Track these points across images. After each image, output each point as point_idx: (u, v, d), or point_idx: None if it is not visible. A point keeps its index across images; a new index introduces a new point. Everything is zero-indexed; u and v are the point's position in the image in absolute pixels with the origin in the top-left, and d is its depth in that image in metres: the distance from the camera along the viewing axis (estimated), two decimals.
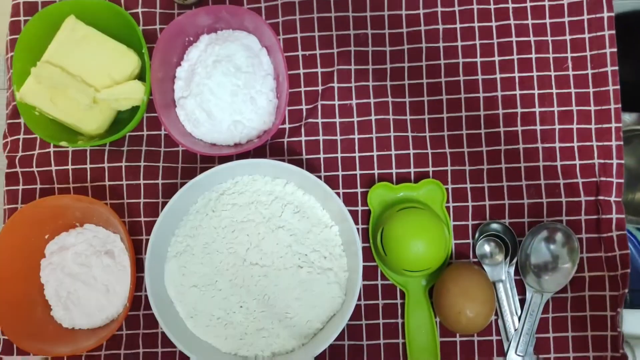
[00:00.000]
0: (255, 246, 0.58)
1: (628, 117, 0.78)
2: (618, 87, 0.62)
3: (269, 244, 0.58)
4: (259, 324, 0.57)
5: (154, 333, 0.62)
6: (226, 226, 0.59)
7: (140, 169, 0.63)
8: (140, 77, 0.63)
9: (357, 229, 0.62)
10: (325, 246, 0.59)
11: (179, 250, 0.59)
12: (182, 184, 0.62)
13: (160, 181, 0.63)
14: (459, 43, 0.64)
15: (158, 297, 0.57)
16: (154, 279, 0.57)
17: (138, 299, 0.62)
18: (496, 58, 0.63)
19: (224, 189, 0.60)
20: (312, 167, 0.63)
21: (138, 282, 0.61)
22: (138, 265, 0.61)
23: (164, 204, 0.62)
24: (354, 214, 0.62)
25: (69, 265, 0.61)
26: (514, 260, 0.61)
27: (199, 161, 0.64)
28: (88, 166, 0.64)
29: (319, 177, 0.63)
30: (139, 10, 0.65)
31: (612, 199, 0.61)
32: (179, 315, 0.58)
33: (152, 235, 0.56)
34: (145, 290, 0.57)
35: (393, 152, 0.63)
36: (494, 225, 0.61)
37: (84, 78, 0.60)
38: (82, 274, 0.61)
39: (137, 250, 0.62)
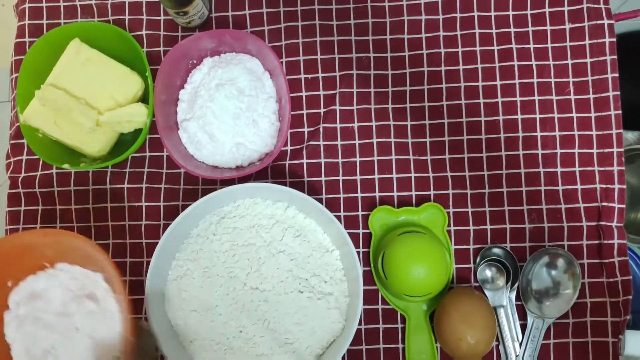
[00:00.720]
0: (256, 270, 0.58)
1: (631, 136, 0.78)
2: (620, 112, 0.62)
3: (270, 269, 0.58)
4: (259, 350, 0.57)
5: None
6: (227, 250, 0.59)
7: (142, 190, 0.63)
8: (144, 99, 0.63)
9: (358, 252, 0.62)
10: (326, 270, 0.58)
11: (179, 274, 0.59)
12: (184, 206, 0.63)
13: (161, 203, 0.63)
14: (461, 67, 0.64)
15: (158, 320, 0.57)
16: (154, 302, 0.57)
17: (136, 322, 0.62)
18: (498, 82, 0.64)
19: (225, 213, 0.60)
20: (313, 189, 0.63)
21: (139, 304, 0.61)
22: (139, 287, 0.60)
23: (165, 226, 0.62)
24: (355, 237, 0.62)
25: (42, 316, 0.51)
26: (515, 286, 0.61)
27: (200, 183, 0.64)
28: (90, 187, 0.64)
29: (320, 199, 0.63)
30: (143, 32, 0.66)
31: (614, 224, 0.61)
32: (179, 339, 0.58)
33: (153, 259, 0.56)
34: (145, 314, 0.57)
35: (394, 175, 0.63)
36: (495, 250, 0.61)
37: (88, 100, 0.60)
38: (60, 326, 0.51)
39: (138, 273, 0.62)
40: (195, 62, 0.63)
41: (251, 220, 0.59)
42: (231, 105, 0.60)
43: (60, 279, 0.53)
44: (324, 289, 0.58)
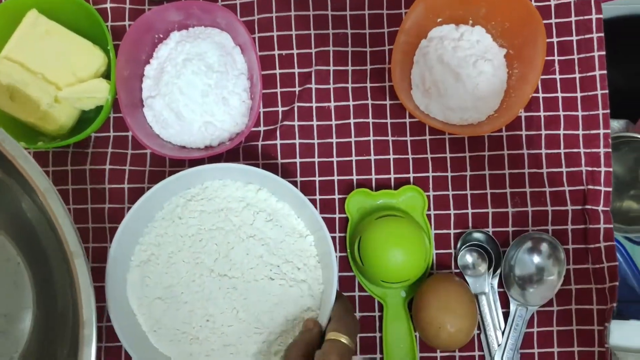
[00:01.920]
0: (224, 256, 0.55)
1: (616, 124, 0.76)
2: (606, 91, 0.60)
3: (239, 254, 0.55)
4: (227, 340, 0.54)
5: (117, 347, 0.58)
6: (193, 234, 0.55)
7: (105, 172, 0.60)
8: (107, 75, 0.60)
9: (335, 237, 0.59)
10: (300, 257, 0.55)
11: (142, 260, 0.55)
12: (149, 188, 0.59)
13: (126, 185, 0.60)
14: None
15: (119, 308, 0.53)
16: (115, 289, 0.53)
17: (100, 310, 0.57)
18: None
19: (192, 195, 0.56)
20: (287, 171, 0.60)
21: (99, 292, 0.57)
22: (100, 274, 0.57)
23: (130, 208, 0.58)
24: (331, 222, 0.59)
25: None
26: (498, 272, 0.58)
27: (167, 164, 0.60)
28: (50, 169, 0.60)
29: (295, 182, 0.60)
30: (108, 5, 0.62)
31: (600, 208, 0.58)
32: (142, 328, 0.55)
33: (114, 242, 0.53)
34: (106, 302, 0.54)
35: (372, 157, 0.60)
36: (477, 235, 0.59)
37: (46, 75, 0.57)
38: None
39: (102, 259, 0.59)
40: (161, 36, 0.59)
41: (220, 203, 0.56)
42: (199, 82, 0.57)
43: None
44: (297, 276, 0.55)
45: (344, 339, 0.48)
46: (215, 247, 0.55)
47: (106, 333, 0.58)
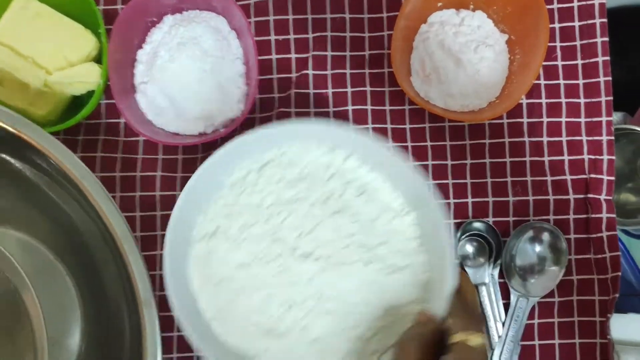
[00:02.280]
0: (309, 232, 0.46)
1: (614, 116, 0.76)
2: (609, 78, 0.59)
3: (327, 232, 0.46)
4: (311, 334, 0.45)
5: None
6: (271, 205, 0.47)
7: (96, 159, 0.58)
8: (99, 59, 0.58)
9: None
10: (398, 239, 0.47)
11: (207, 232, 0.47)
12: (142, 177, 0.58)
13: (118, 174, 0.58)
14: None
15: (178, 291, 0.45)
16: (174, 269, 0.45)
17: None
18: None
19: (268, 159, 0.49)
20: None
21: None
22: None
23: (122, 197, 0.57)
24: None
25: None
26: (498, 262, 0.57)
27: (160, 152, 0.59)
28: None
29: None
30: None
31: (602, 197, 0.57)
32: (204, 316, 0.46)
33: (175, 210, 0.45)
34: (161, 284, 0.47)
35: None
36: (477, 225, 0.57)
37: (36, 59, 0.55)
38: None
39: None
40: (155, 19, 0.58)
41: (302, 170, 0.48)
42: (194, 67, 0.55)
43: None
44: (397, 262, 0.47)
45: (474, 341, 0.40)
46: (297, 221, 0.47)
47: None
